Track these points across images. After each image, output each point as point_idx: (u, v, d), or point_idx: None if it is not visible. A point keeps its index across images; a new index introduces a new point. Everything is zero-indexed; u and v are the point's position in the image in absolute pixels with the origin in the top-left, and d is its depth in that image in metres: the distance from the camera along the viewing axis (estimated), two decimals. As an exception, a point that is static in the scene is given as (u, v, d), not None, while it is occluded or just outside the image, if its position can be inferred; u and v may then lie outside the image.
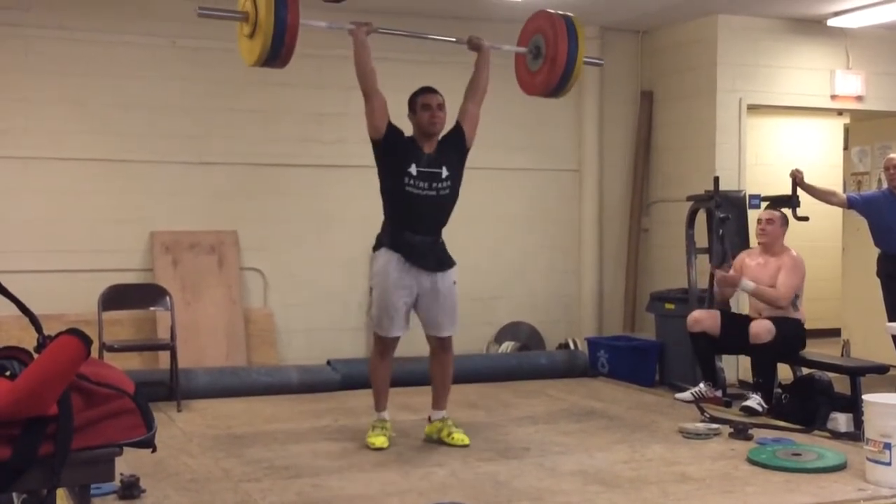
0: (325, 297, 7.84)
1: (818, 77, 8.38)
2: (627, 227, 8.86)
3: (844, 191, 8.26)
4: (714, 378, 6.57)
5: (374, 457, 5.01)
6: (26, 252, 7.05)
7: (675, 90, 8.55)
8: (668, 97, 8.64)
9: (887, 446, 4.35)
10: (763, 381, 6.23)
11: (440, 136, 5.28)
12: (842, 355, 8.35)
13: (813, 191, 7.05)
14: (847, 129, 9.31)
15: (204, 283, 7.41)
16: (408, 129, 5.28)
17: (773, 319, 6.19)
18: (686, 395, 6.53)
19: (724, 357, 7.06)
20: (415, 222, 5.19)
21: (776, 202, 7.02)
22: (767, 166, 9.82)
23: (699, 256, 7.47)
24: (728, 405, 6.45)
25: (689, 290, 7.45)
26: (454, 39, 5.57)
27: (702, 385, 6.51)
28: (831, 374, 6.35)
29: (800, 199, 7.06)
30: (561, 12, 5.48)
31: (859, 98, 8.51)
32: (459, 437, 5.24)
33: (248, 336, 7.50)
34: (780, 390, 6.39)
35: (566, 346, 8.21)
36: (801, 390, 6.33)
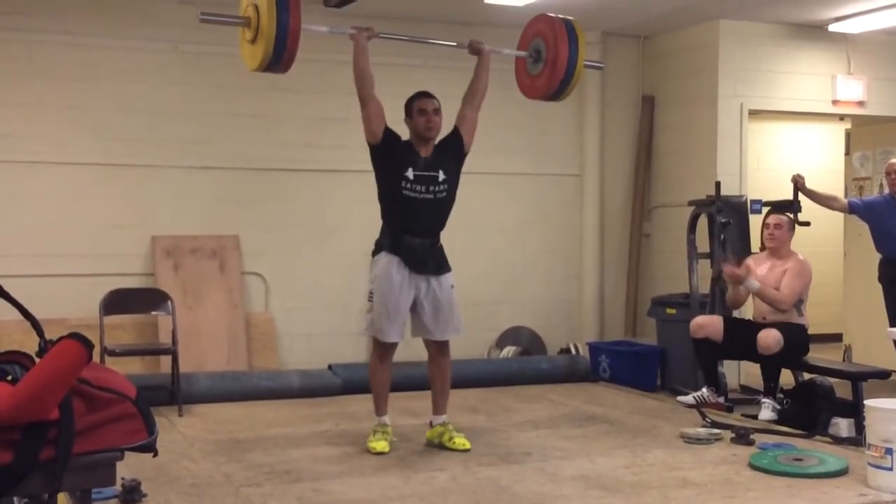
0: (327, 302, 7.84)
1: (820, 82, 8.38)
2: (629, 231, 8.86)
3: (846, 196, 8.26)
4: (717, 384, 6.56)
5: (375, 461, 5.00)
6: (28, 256, 7.06)
7: (676, 95, 8.55)
8: (670, 102, 8.64)
9: (889, 451, 4.34)
10: (771, 382, 6.24)
11: (437, 140, 5.29)
12: (843, 360, 8.35)
13: (814, 196, 7.05)
14: (848, 135, 9.31)
15: (205, 287, 7.41)
16: (405, 134, 5.29)
17: (778, 325, 6.18)
18: (688, 398, 6.53)
19: (726, 362, 7.05)
20: (413, 226, 5.20)
21: (778, 207, 7.03)
22: (769, 171, 9.83)
23: (700, 261, 7.47)
24: (730, 410, 6.45)
25: (691, 294, 7.45)
26: (455, 44, 5.57)
27: (704, 390, 6.51)
28: (833, 380, 6.36)
29: (801, 204, 7.07)
30: (561, 16, 5.48)
31: (861, 103, 8.51)
32: (460, 441, 5.24)
33: (250, 340, 7.51)
34: (781, 395, 6.38)
35: (567, 350, 8.21)
36: (803, 395, 6.33)
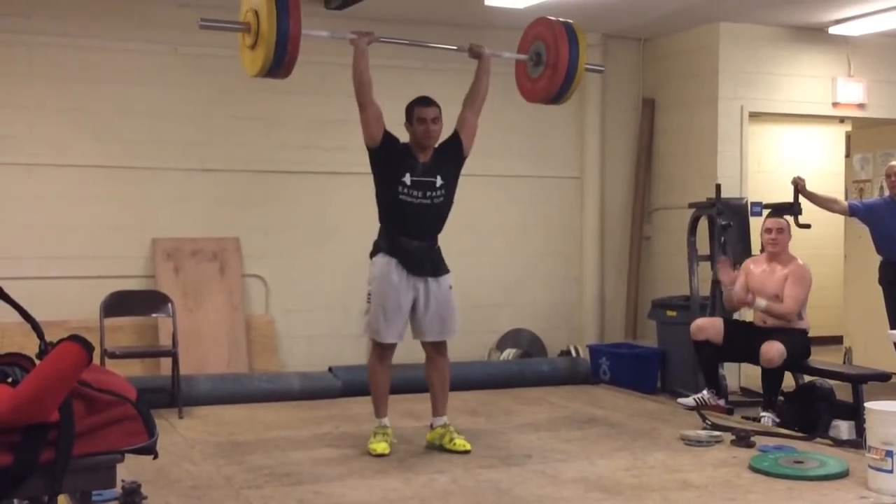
0: (327, 304, 7.84)
1: (820, 85, 8.38)
2: (629, 234, 8.85)
3: (846, 198, 8.26)
4: (717, 386, 6.55)
5: (376, 464, 5.00)
6: (28, 258, 7.06)
7: (676, 98, 8.55)
8: (670, 105, 8.64)
9: (889, 454, 4.34)
10: (772, 395, 6.22)
11: (437, 144, 5.29)
12: (843, 363, 8.34)
13: (815, 198, 7.05)
14: (849, 137, 9.31)
15: (206, 289, 7.41)
16: (404, 136, 5.29)
17: (780, 331, 6.16)
18: (689, 400, 6.51)
19: (727, 365, 7.04)
20: (410, 228, 5.22)
21: (778, 210, 7.02)
22: (769, 174, 9.83)
23: (701, 264, 7.47)
24: (730, 413, 6.44)
25: (691, 297, 7.45)
26: (455, 48, 5.57)
27: (705, 392, 6.50)
28: (833, 382, 6.35)
29: (802, 206, 7.07)
30: (561, 19, 5.48)
31: (861, 106, 8.51)
32: (461, 442, 5.24)
33: (250, 343, 7.50)
34: (781, 398, 6.37)
35: (568, 353, 8.21)
36: (803, 398, 6.33)
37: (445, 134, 5.35)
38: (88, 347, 2.59)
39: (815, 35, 8.25)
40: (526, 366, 7.85)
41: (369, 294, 5.24)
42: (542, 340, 8.46)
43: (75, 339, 2.59)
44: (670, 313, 7.63)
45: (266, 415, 6.33)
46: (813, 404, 6.16)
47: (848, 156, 9.30)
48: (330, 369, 7.24)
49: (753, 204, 7.70)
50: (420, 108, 5.21)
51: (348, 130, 7.44)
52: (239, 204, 7.65)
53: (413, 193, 5.17)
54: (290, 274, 7.80)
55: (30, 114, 7.14)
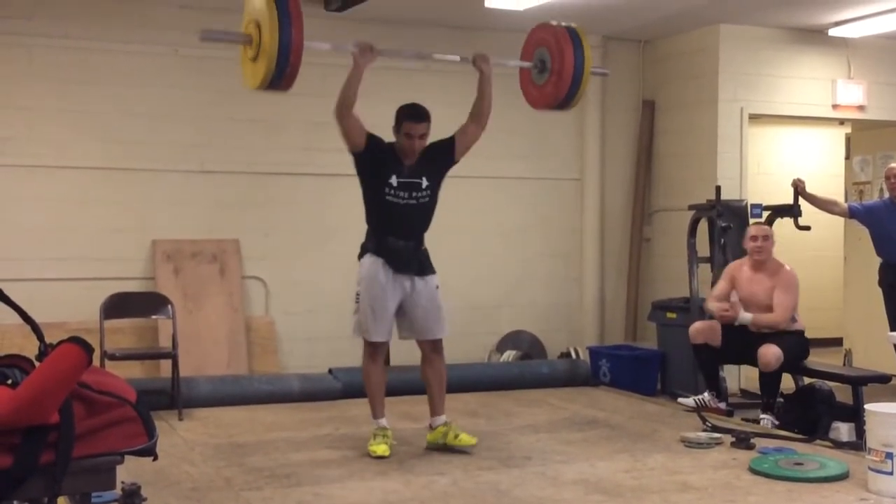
0: (327, 306, 7.82)
1: (820, 87, 8.39)
2: (629, 235, 8.85)
3: (846, 200, 8.26)
4: (717, 388, 6.55)
5: (376, 465, 5.00)
6: (28, 260, 7.06)
7: (676, 99, 8.55)
8: (670, 106, 8.64)
9: (889, 456, 4.34)
10: (771, 398, 6.21)
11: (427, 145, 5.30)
12: (843, 365, 8.34)
13: (814, 200, 7.05)
14: (848, 139, 9.31)
15: (205, 291, 7.41)
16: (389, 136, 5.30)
17: (776, 334, 6.16)
18: (689, 400, 6.52)
19: (727, 367, 7.04)
20: (397, 229, 5.26)
21: (778, 211, 7.03)
22: (769, 175, 9.83)
23: (701, 265, 7.47)
24: (730, 415, 6.44)
25: (691, 299, 7.45)
26: (458, 59, 5.54)
27: (706, 394, 6.50)
28: (833, 384, 6.35)
29: (801, 208, 7.06)
30: (564, 23, 5.44)
31: (861, 108, 8.52)
32: (466, 437, 5.26)
33: (250, 344, 7.50)
34: (781, 400, 6.37)
35: (568, 354, 8.21)
36: (803, 400, 6.33)
37: (444, 135, 5.35)
38: (88, 349, 2.59)
39: (815, 37, 8.25)
40: (526, 367, 7.85)
41: (358, 294, 5.29)
42: (542, 342, 8.46)
43: (75, 340, 2.59)
44: (670, 315, 7.63)
45: (266, 416, 6.33)
46: (813, 406, 6.15)
47: (848, 158, 9.30)
48: (330, 371, 7.24)
49: (753, 206, 7.69)
50: (409, 124, 5.19)
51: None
52: (239, 206, 7.65)
53: (399, 194, 5.20)
54: (289, 275, 7.80)
55: (30, 115, 7.14)
